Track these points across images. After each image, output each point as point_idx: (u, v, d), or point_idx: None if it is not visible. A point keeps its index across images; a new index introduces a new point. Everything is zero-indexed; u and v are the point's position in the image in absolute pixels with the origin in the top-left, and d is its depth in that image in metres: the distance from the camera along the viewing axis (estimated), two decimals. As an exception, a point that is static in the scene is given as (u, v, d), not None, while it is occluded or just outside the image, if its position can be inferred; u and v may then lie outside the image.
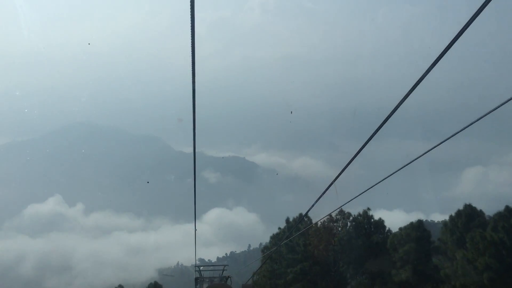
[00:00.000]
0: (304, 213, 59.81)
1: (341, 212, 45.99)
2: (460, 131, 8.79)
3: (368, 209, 45.51)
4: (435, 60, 6.21)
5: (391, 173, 10.72)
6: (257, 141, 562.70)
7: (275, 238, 57.83)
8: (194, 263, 36.89)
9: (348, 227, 45.60)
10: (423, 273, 40.09)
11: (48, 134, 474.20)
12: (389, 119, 8.32)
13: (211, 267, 45.30)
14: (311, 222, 51.59)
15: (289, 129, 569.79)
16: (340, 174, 10.17)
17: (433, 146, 9.25)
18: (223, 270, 37.87)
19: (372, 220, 45.65)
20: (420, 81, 6.81)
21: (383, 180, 11.06)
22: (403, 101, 7.75)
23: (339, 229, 46.29)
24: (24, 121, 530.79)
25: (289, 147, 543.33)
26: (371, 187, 11.70)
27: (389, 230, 46.48)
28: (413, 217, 42.47)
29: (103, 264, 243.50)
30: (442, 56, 6.10)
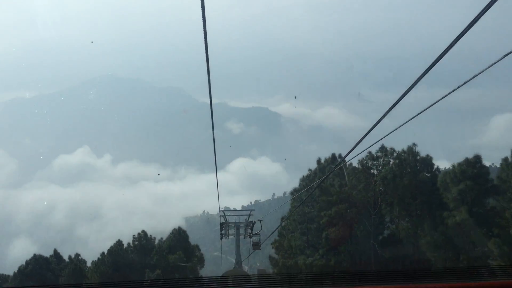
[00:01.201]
0: (336, 154, 54.22)
1: (382, 148, 39.97)
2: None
3: (414, 144, 39.21)
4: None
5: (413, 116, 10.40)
6: (280, 92, 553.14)
7: (305, 180, 52.16)
8: (219, 211, 35.62)
9: (390, 165, 39.56)
10: (481, 215, 34.19)
11: (75, 87, 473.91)
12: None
13: (237, 212, 40.88)
14: (344, 164, 45.79)
15: (313, 79, 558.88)
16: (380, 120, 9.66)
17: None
18: (249, 215, 35.94)
19: (418, 157, 39.48)
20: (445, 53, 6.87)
21: (407, 122, 10.62)
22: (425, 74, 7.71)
23: (380, 168, 40.35)
24: (51, 75, 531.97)
25: (312, 97, 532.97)
26: (396, 129, 10.94)
27: (438, 169, 40.24)
28: (459, 157, 36.09)
29: (132, 212, 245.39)
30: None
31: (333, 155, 51.47)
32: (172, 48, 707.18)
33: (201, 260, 64.22)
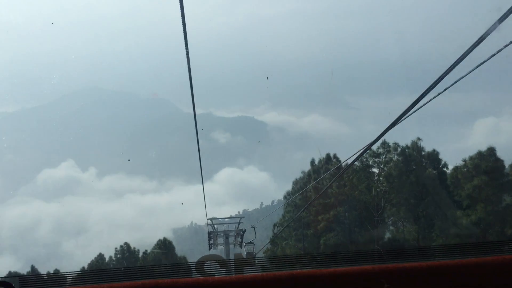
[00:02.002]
0: (331, 154, 50.53)
1: (384, 144, 36.26)
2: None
3: (419, 139, 35.53)
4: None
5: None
6: (265, 101, 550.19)
7: (298, 183, 48.31)
8: (207, 222, 34.62)
9: (394, 162, 35.84)
10: (499, 213, 30.55)
11: (58, 100, 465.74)
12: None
13: (226, 219, 37.56)
14: (339, 165, 42.10)
15: (298, 87, 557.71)
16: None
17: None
18: (239, 223, 34.08)
19: (423, 152, 35.81)
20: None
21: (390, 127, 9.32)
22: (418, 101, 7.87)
23: (382, 165, 36.65)
24: (33, 88, 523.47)
25: (298, 105, 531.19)
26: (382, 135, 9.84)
27: (446, 164, 36.55)
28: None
29: (118, 225, 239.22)
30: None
31: (328, 155, 47.74)
32: (156, 58, 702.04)
33: (188, 272, 60.09)
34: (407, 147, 35.40)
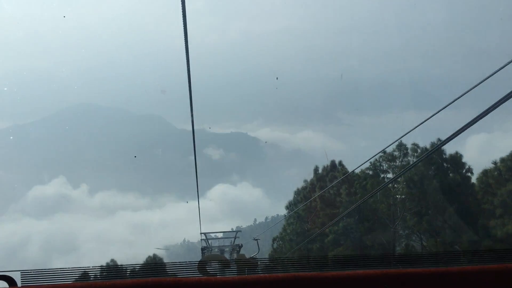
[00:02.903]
0: (335, 160, 46.34)
1: (401, 146, 32.00)
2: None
3: (439, 140, 31.11)
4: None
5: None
6: (259, 117, 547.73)
7: (300, 193, 43.89)
8: (200, 239, 32.66)
9: (410, 164, 31.59)
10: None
11: (50, 117, 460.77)
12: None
13: (221, 233, 35.82)
14: (346, 171, 37.94)
15: (291, 103, 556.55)
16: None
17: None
18: (235, 237, 31.60)
19: (444, 156, 31.55)
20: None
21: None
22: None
23: (396, 170, 32.36)
24: (25, 105, 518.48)
25: (292, 121, 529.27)
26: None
27: (470, 169, 32.24)
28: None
29: (109, 243, 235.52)
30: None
31: (333, 162, 43.44)
32: (149, 75, 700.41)
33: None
34: (425, 149, 31.25)
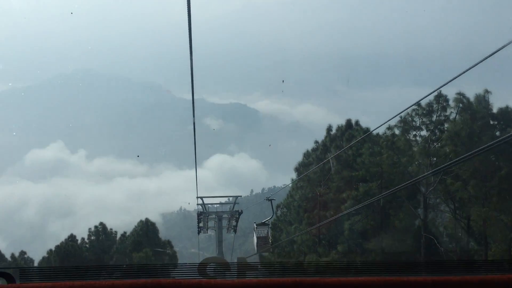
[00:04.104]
0: (352, 120, 40.88)
1: (439, 97, 26.36)
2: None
3: (487, 91, 25.39)
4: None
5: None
6: (259, 88, 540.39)
7: (311, 155, 38.44)
8: (196, 208, 30.28)
9: (451, 122, 26.11)
10: None
11: (49, 81, 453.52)
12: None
13: (218, 200, 32.35)
14: (364, 132, 32.50)
15: (292, 75, 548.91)
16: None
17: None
18: (234, 203, 28.89)
19: (491, 110, 25.78)
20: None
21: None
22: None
23: (431, 128, 26.85)
24: (24, 68, 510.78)
25: (292, 94, 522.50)
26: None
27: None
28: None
29: (106, 208, 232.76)
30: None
31: (348, 121, 37.88)
32: (149, 43, 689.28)
33: (173, 259, 50.59)
34: (468, 102, 25.68)
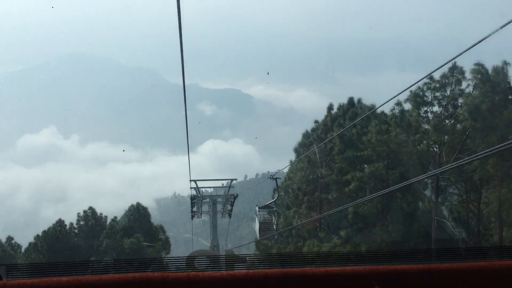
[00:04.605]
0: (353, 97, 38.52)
1: (454, 68, 24.03)
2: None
3: (506, 63, 23.00)
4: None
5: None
6: (253, 74, 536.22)
7: (311, 135, 36.12)
8: (190, 193, 28.74)
9: (465, 95, 23.81)
10: None
11: (41, 65, 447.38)
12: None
13: (212, 181, 31.53)
14: (369, 109, 30.26)
15: (286, 61, 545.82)
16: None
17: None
18: (229, 187, 27.31)
19: (509, 84, 23.62)
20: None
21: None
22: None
23: (444, 102, 24.59)
24: (16, 52, 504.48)
25: (286, 79, 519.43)
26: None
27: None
28: None
29: (99, 194, 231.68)
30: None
31: (351, 99, 35.55)
32: (143, 26, 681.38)
33: (166, 245, 48.41)
34: (487, 73, 23.43)
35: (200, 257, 4.02)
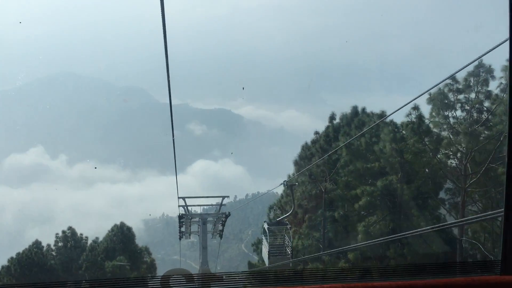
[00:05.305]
0: (357, 106, 35.36)
1: (480, 66, 20.92)
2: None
3: None
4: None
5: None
6: (243, 94, 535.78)
7: (311, 147, 32.81)
8: (178, 212, 26.77)
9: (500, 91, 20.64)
10: None
11: (30, 84, 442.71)
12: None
13: (202, 199, 29.24)
14: (379, 117, 27.18)
15: (276, 82, 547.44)
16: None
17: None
18: (221, 204, 25.37)
19: None
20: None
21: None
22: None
23: (469, 103, 21.39)
24: (5, 71, 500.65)
25: (275, 100, 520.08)
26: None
27: None
28: None
29: (86, 214, 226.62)
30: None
31: (355, 108, 32.43)
32: (133, 46, 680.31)
33: (152, 267, 44.60)
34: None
35: (175, 276, 3.83)
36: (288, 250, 17.82)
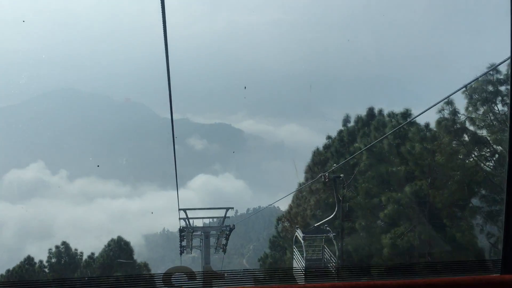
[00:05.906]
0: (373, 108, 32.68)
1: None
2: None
3: None
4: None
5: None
6: (243, 108, 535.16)
7: (323, 153, 29.93)
8: (180, 228, 26.21)
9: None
10: None
11: (30, 100, 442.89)
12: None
13: (205, 211, 30.01)
14: (402, 116, 24.54)
15: (276, 96, 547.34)
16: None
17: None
18: (225, 216, 24.60)
19: None
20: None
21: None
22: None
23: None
24: (4, 88, 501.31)
25: (276, 114, 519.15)
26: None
27: None
28: None
29: (86, 230, 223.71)
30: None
31: (371, 110, 29.70)
32: (133, 61, 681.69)
33: (155, 284, 41.43)
34: None
35: (176, 273, 3.81)
36: (332, 269, 14.45)
